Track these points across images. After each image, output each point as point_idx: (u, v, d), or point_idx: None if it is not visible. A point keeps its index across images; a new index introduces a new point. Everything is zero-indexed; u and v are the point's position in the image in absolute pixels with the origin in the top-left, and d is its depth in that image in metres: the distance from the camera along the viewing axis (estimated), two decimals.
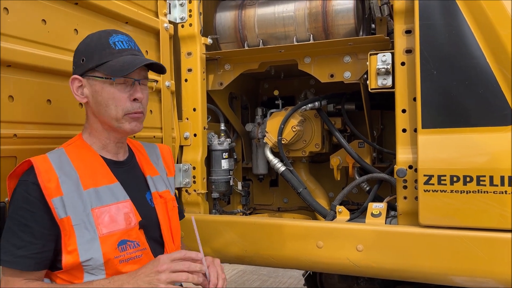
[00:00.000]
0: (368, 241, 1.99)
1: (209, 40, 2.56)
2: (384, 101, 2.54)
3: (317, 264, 2.13)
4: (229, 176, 2.62)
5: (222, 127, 2.74)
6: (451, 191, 1.82)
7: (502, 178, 1.75)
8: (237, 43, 2.64)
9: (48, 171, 1.36)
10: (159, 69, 1.58)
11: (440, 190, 1.84)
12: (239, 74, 2.60)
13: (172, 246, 1.61)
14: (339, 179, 2.71)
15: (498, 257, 1.77)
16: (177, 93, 2.50)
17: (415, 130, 1.94)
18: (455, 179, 1.82)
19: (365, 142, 2.65)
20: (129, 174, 1.59)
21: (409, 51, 1.99)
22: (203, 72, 2.52)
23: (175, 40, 2.50)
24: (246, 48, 2.58)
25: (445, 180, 1.83)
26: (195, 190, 2.44)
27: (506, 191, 1.74)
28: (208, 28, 2.65)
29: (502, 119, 1.78)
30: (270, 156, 2.65)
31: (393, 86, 2.03)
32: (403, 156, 1.99)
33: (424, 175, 1.86)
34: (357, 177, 2.62)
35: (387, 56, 2.03)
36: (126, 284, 1.30)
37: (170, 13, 2.46)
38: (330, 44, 2.34)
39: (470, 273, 1.83)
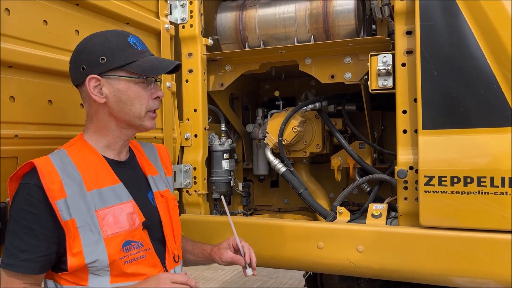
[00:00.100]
0: (369, 242, 1.99)
1: (210, 41, 2.56)
2: (385, 102, 2.53)
3: (318, 265, 2.13)
4: (230, 177, 2.62)
5: (223, 127, 2.74)
6: (452, 192, 1.82)
7: (503, 179, 1.75)
8: (238, 44, 2.64)
9: (51, 173, 1.35)
10: (172, 70, 1.61)
11: (441, 191, 1.84)
12: (240, 74, 2.60)
13: (174, 245, 1.62)
14: (339, 180, 2.71)
15: (498, 258, 1.77)
16: (178, 94, 2.51)
17: (416, 131, 1.94)
18: (455, 180, 1.81)
19: (366, 143, 2.65)
20: (131, 174, 1.59)
21: (409, 52, 1.99)
22: (204, 73, 2.52)
23: (176, 41, 2.50)
24: (247, 49, 2.59)
25: (445, 181, 1.83)
26: (195, 191, 2.44)
27: (506, 192, 1.74)
28: (209, 28, 2.65)
29: (503, 120, 1.78)
30: (271, 157, 2.65)
31: (393, 87, 2.03)
32: (403, 157, 1.99)
33: (425, 176, 1.86)
34: (358, 178, 2.62)
35: (388, 57, 2.03)
36: None
37: (171, 14, 2.46)
38: (331, 45, 2.34)
39: (471, 274, 1.83)
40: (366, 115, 2.54)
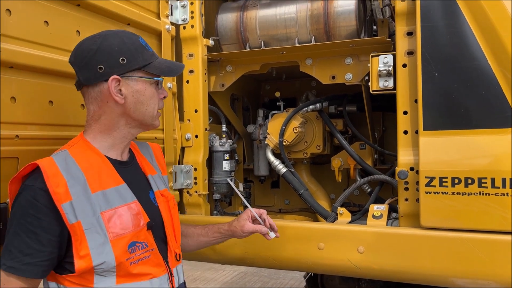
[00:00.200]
0: (370, 243, 1.99)
1: (210, 42, 2.56)
2: (386, 102, 2.53)
3: (318, 265, 2.13)
4: (231, 177, 2.62)
5: (224, 128, 2.75)
6: (453, 193, 1.82)
7: (504, 180, 1.74)
8: (238, 45, 2.64)
9: (56, 175, 1.33)
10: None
11: (442, 192, 1.84)
12: (241, 75, 2.60)
13: (175, 244, 1.62)
14: (340, 180, 2.71)
15: (499, 259, 1.77)
16: (179, 95, 2.51)
17: (417, 132, 1.94)
18: (456, 181, 1.81)
19: (367, 144, 2.65)
20: (133, 173, 1.59)
21: (410, 53, 1.99)
22: (205, 74, 2.52)
23: (177, 41, 2.51)
24: (248, 49, 2.59)
25: (446, 182, 1.83)
26: (196, 192, 2.44)
27: (507, 193, 1.74)
28: (209, 29, 2.65)
29: (504, 121, 1.78)
30: (272, 158, 2.65)
31: (394, 88, 2.03)
32: (404, 158, 1.99)
33: (426, 177, 1.86)
34: (359, 179, 2.61)
35: (389, 58, 2.03)
36: None
37: (172, 14, 2.46)
38: (332, 46, 2.34)
39: (472, 275, 1.83)
40: (366, 116, 2.54)
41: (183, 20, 2.49)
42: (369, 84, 2.09)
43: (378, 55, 2.06)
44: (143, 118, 1.52)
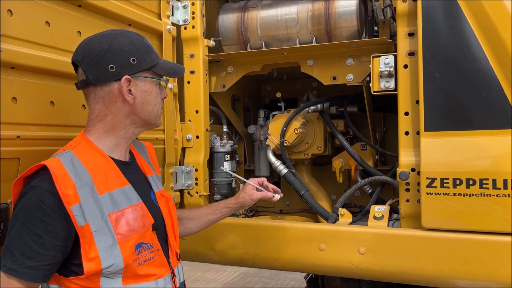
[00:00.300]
0: (370, 244, 1.99)
1: (211, 42, 2.56)
2: (387, 103, 2.53)
3: (319, 266, 2.13)
4: (231, 178, 2.62)
5: (225, 129, 2.74)
6: (454, 194, 1.82)
7: (505, 181, 1.74)
8: (239, 45, 2.64)
9: (64, 177, 1.31)
10: None
11: (443, 193, 1.83)
12: (242, 76, 2.60)
13: (175, 244, 1.62)
14: (341, 181, 2.71)
15: (500, 260, 1.77)
16: (180, 95, 2.51)
17: (418, 133, 1.94)
18: (457, 182, 1.81)
19: (368, 145, 2.65)
20: (135, 174, 1.58)
21: (412, 54, 1.99)
22: (206, 74, 2.52)
23: (178, 42, 2.50)
24: (249, 50, 2.59)
25: (447, 183, 1.83)
26: (197, 192, 2.44)
27: (508, 194, 1.74)
28: (210, 30, 2.65)
29: (505, 122, 1.77)
30: (273, 158, 2.65)
31: (396, 89, 2.03)
32: (405, 158, 1.99)
33: (427, 178, 1.86)
34: (360, 180, 2.61)
35: (390, 58, 2.03)
36: None
37: (173, 15, 2.46)
38: (333, 47, 2.34)
39: (473, 276, 1.83)
40: (368, 116, 2.54)
41: (184, 21, 2.49)
42: (370, 85, 2.09)
43: (379, 56, 2.06)
44: (149, 117, 1.54)
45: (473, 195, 1.79)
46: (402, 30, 2.01)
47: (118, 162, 1.50)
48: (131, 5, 2.14)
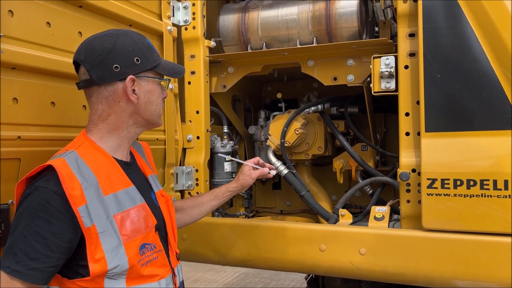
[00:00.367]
0: (371, 245, 1.99)
1: (212, 43, 2.56)
2: (388, 104, 2.53)
3: (320, 267, 2.13)
4: (232, 179, 2.62)
5: (225, 129, 2.74)
6: (455, 195, 1.82)
7: (506, 182, 1.74)
8: (240, 46, 2.64)
9: (71, 178, 1.30)
10: None
11: (444, 194, 1.83)
12: (242, 76, 2.60)
13: (174, 245, 1.62)
14: (342, 182, 2.71)
15: (501, 261, 1.76)
16: (180, 96, 2.51)
17: (419, 134, 1.94)
18: (458, 183, 1.81)
19: (368, 145, 2.64)
20: (136, 174, 1.58)
21: (412, 54, 1.99)
22: (206, 75, 2.52)
23: (179, 42, 2.51)
24: (249, 51, 2.59)
25: (448, 184, 1.82)
26: (197, 193, 2.44)
27: (509, 195, 1.74)
28: (211, 30, 2.65)
29: (506, 122, 1.77)
30: (273, 159, 2.65)
31: (396, 90, 2.03)
32: (406, 159, 1.99)
33: (428, 179, 1.86)
34: (360, 180, 2.61)
35: (391, 59, 2.03)
36: None
37: (173, 15, 2.46)
38: (334, 47, 2.34)
39: (473, 277, 1.82)
40: (368, 117, 2.54)
41: (185, 21, 2.49)
42: (371, 85, 2.09)
43: (380, 57, 2.06)
44: (151, 117, 1.54)
45: (473, 196, 1.79)
46: (402, 30, 2.01)
47: (120, 163, 1.50)
48: (132, 6, 2.14)
